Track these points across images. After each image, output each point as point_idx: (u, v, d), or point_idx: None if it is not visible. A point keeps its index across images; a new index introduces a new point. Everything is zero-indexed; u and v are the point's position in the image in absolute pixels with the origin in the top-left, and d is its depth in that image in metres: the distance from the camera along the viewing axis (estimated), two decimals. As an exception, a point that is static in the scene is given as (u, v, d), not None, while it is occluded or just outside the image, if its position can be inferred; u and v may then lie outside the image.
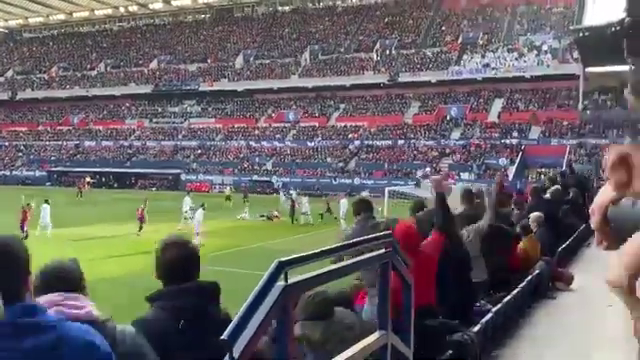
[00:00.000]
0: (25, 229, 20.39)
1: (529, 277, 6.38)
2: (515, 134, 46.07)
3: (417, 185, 34.85)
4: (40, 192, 33.25)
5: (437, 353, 3.79)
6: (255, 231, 24.32)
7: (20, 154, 62.55)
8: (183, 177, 51.92)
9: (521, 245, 7.12)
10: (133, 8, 75.12)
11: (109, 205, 35.02)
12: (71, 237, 20.60)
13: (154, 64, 68.16)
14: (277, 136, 54.77)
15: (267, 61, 62.17)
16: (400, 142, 49.19)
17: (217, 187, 48.19)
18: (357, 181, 45.61)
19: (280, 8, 70.39)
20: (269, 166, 51.18)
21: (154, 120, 62.19)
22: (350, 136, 51.77)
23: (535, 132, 46.01)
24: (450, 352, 3.88)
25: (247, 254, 18.30)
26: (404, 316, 2.80)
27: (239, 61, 64.14)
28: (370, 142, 50.57)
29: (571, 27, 47.10)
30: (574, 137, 43.88)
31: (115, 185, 52.50)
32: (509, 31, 54.97)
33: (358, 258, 2.31)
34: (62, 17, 78.10)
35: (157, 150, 57.47)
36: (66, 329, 1.44)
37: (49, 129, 65.45)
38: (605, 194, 1.06)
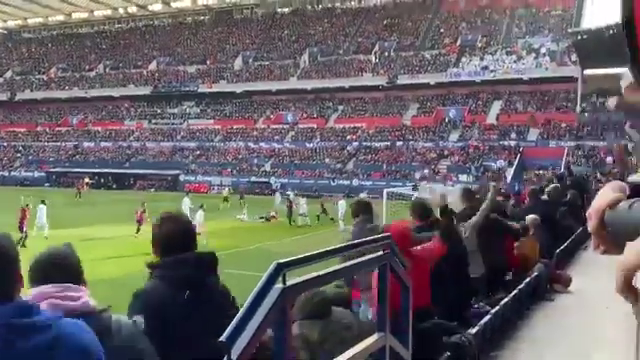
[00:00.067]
0: (24, 229, 20.35)
1: (527, 279, 6.39)
2: (513, 136, 46.11)
3: (415, 188, 34.88)
4: (39, 193, 33.21)
5: (435, 355, 3.79)
6: (253, 232, 24.32)
7: (19, 155, 62.45)
8: (182, 178, 51.87)
9: (520, 245, 7.13)
10: (132, 9, 75.13)
11: (108, 206, 34.98)
12: (69, 238, 20.49)
13: (153, 65, 68.14)
14: (276, 137, 54.77)
15: (266, 63, 62.19)
16: (399, 144, 49.21)
17: (216, 188, 48.17)
18: (355, 182, 45.61)
19: (279, 10, 70.43)
20: (268, 167, 51.17)
21: (153, 121, 62.16)
22: (348, 137, 51.79)
23: (533, 134, 46.06)
24: (448, 354, 3.88)
25: (245, 255, 18.29)
26: (402, 318, 2.81)
27: (238, 63, 64.16)
28: (368, 144, 50.59)
29: (569, 30, 47.26)
30: (572, 139, 43.95)
31: (114, 186, 52.42)
32: (507, 34, 55.04)
33: (357, 260, 2.31)
34: (61, 18, 78.07)
35: (156, 151, 57.44)
36: (62, 328, 1.41)
37: (48, 130, 65.38)
38: (602, 198, 1.07)
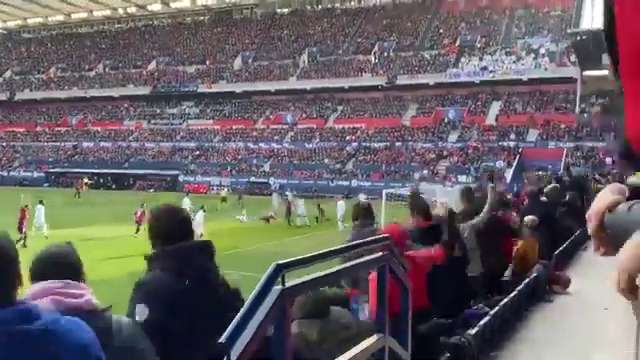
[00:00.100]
0: (24, 230, 20.31)
1: (526, 280, 6.40)
2: (513, 137, 46.12)
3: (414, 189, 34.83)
4: (38, 193, 33.19)
5: (434, 356, 3.79)
6: (252, 233, 24.31)
7: (18, 155, 62.40)
8: (181, 178, 51.85)
9: (520, 246, 7.12)
10: (132, 9, 75.10)
11: (107, 206, 34.95)
12: (69, 238, 20.47)
13: (153, 65, 68.11)
14: (275, 138, 54.76)
15: (265, 63, 62.18)
16: (398, 144, 49.21)
17: (215, 188, 48.15)
18: (354, 183, 45.61)
19: (279, 10, 70.42)
20: (267, 168, 51.16)
21: (152, 121, 62.13)
22: (348, 138, 51.78)
23: (532, 135, 46.07)
24: (448, 355, 3.88)
25: (245, 256, 18.27)
26: (401, 319, 2.81)
27: (237, 63, 64.14)
28: (368, 144, 50.59)
29: (569, 30, 47.27)
30: (571, 140, 43.98)
31: (113, 186, 52.38)
32: (507, 34, 55.05)
33: (357, 261, 2.32)
34: (61, 18, 78.04)
35: (155, 151, 57.41)
36: (61, 327, 1.39)
37: (47, 130, 65.33)
38: (602, 200, 1.07)
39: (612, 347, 4.85)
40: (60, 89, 68.40)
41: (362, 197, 31.02)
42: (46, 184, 54.37)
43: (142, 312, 2.10)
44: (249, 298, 1.53)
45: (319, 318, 3.01)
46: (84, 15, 76.18)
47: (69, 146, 61.56)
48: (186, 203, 25.61)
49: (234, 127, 57.40)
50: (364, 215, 5.02)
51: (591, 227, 1.19)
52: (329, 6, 67.87)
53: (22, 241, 18.28)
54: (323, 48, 61.60)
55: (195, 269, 2.28)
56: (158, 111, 63.29)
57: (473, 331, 4.32)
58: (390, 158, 47.88)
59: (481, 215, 6.00)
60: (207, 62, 65.43)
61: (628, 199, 0.98)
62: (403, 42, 58.64)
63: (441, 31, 58.70)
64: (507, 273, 6.98)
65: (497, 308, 5.10)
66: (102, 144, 60.69)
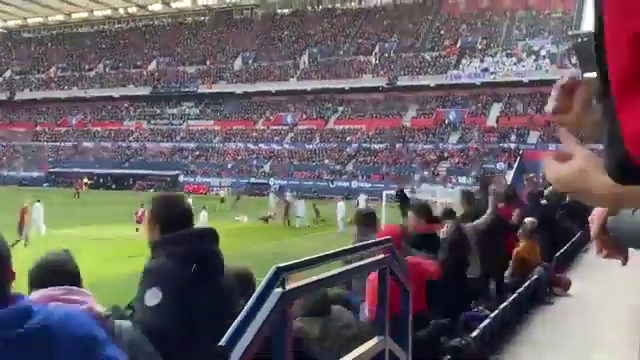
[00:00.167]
0: (24, 230, 20.26)
1: (527, 282, 6.39)
2: (513, 138, 46.13)
3: (413, 191, 34.85)
4: (38, 193, 33.20)
5: (434, 358, 3.78)
6: (251, 234, 24.28)
7: (18, 155, 62.41)
8: (181, 179, 51.87)
9: (520, 248, 7.12)
10: (132, 9, 75.12)
11: (107, 206, 34.95)
12: (68, 238, 20.54)
13: (153, 65, 68.13)
14: (275, 138, 54.77)
15: (266, 63, 62.19)
16: (398, 145, 49.21)
17: (214, 189, 48.16)
18: (355, 184, 45.61)
19: (279, 11, 70.44)
20: (267, 168, 51.17)
21: (152, 122, 62.15)
22: (348, 139, 51.79)
23: (533, 137, 46.08)
24: (448, 357, 3.87)
25: (245, 257, 18.25)
26: (402, 322, 2.80)
27: (238, 63, 64.16)
28: (368, 145, 50.59)
29: (569, 32, 47.30)
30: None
31: (113, 186, 52.40)
32: (508, 36, 55.08)
33: (359, 263, 2.31)
34: (61, 18, 78.06)
35: (155, 151, 57.42)
36: (57, 323, 1.38)
37: (47, 130, 65.33)
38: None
39: (613, 349, 4.84)
40: (60, 89, 68.41)
41: (362, 198, 31.04)
42: (46, 184, 54.37)
43: (154, 296, 2.08)
44: (249, 301, 1.53)
45: (320, 316, 3.01)
46: (84, 15, 76.20)
47: (69, 146, 61.57)
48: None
49: (234, 128, 57.42)
50: (366, 222, 4.92)
51: (593, 230, 1.19)
52: (330, 7, 67.89)
53: (25, 242, 18.28)
54: (324, 49, 61.62)
55: (199, 255, 2.27)
56: (158, 111, 63.31)
57: (474, 334, 4.32)
58: (390, 159, 47.88)
59: (484, 217, 5.99)
60: (207, 62, 65.45)
61: None
62: (404, 43, 58.66)
63: (442, 32, 58.73)
64: (507, 274, 6.98)
65: (497, 311, 5.09)
66: (102, 144, 60.71)
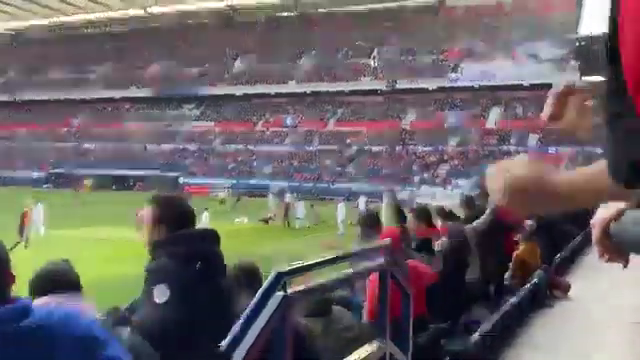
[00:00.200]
0: (25, 232, 20.25)
1: (527, 285, 6.39)
2: (513, 141, 46.15)
3: (412, 193, 34.90)
4: (38, 194, 33.21)
5: (435, 361, 3.78)
6: (251, 235, 24.26)
7: (19, 155, 62.39)
8: (182, 180, 51.87)
9: (520, 251, 7.11)
10: (134, 12, 75.21)
11: (107, 207, 34.91)
12: (69, 239, 20.53)
13: (154, 68, 68.18)
14: (275, 140, 54.79)
15: (266, 66, 62.25)
16: (398, 148, 49.21)
17: (214, 191, 48.12)
18: (355, 186, 45.61)
19: (279, 14, 70.51)
20: (267, 170, 51.18)
21: (153, 123, 62.18)
22: (348, 141, 51.79)
23: (533, 139, 46.10)
24: (448, 361, 3.87)
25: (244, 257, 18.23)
26: (402, 325, 2.80)
27: (238, 65, 64.21)
28: (368, 147, 50.60)
29: (569, 36, 47.36)
30: (572, 145, 43.99)
31: (114, 187, 52.40)
32: (507, 39, 55.11)
33: (360, 266, 2.31)
34: (63, 20, 78.16)
35: (156, 153, 57.44)
36: (56, 323, 1.38)
37: (48, 131, 65.36)
38: (607, 209, 1.08)
39: (613, 352, 4.84)
40: (62, 90, 68.44)
41: (362, 200, 31.08)
42: (47, 185, 54.35)
43: (163, 293, 2.06)
44: (250, 304, 1.53)
45: (321, 316, 3.01)
46: (87, 17, 76.29)
47: (70, 147, 61.57)
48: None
49: (234, 129, 57.45)
50: (370, 224, 4.92)
51: (595, 235, 1.19)
52: (330, 10, 67.94)
53: (26, 244, 18.28)
54: (323, 52, 61.66)
55: (201, 254, 2.27)
56: (159, 113, 63.34)
57: (474, 337, 4.31)
58: (390, 161, 47.88)
59: (483, 217, 5.99)
60: (208, 65, 65.52)
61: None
62: (404, 46, 58.69)
63: (442, 35, 58.76)
64: (507, 277, 6.98)
65: (498, 314, 5.09)
66: (103, 145, 60.72)
